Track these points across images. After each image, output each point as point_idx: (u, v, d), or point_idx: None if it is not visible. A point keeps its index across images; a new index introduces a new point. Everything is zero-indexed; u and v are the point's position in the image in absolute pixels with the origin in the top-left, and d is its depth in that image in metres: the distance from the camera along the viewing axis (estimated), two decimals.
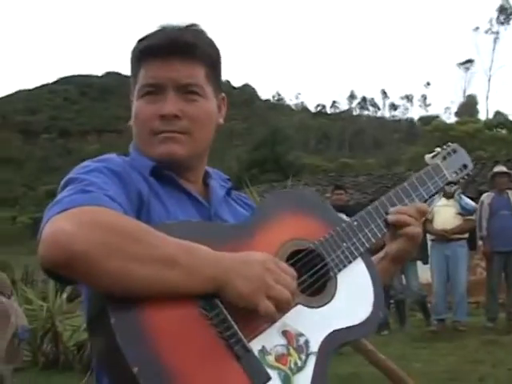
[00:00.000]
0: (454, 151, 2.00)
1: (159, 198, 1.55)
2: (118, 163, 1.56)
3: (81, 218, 1.30)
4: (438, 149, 2.00)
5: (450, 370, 6.91)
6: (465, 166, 2.00)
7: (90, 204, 1.35)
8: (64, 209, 1.33)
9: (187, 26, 1.66)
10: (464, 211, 9.40)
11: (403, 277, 10.26)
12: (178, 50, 1.59)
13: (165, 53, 1.59)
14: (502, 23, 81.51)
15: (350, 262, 1.64)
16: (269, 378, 1.35)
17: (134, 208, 1.48)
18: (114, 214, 1.36)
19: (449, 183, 1.98)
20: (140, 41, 1.66)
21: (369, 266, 1.68)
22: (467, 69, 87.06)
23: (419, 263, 10.41)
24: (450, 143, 2.03)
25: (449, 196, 9.45)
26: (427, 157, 1.98)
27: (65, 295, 9.40)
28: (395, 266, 1.82)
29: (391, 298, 10.41)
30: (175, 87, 1.60)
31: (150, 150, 1.61)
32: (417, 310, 11.30)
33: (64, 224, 1.28)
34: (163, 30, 1.64)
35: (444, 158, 1.97)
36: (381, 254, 1.82)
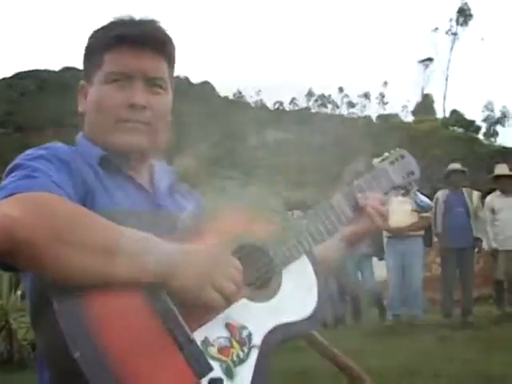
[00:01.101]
0: (402, 157, 2.02)
1: (105, 186, 1.54)
2: (63, 151, 1.55)
3: (25, 203, 1.28)
4: (386, 153, 2.02)
5: (406, 365, 6.96)
6: (412, 173, 2.02)
7: (35, 190, 1.34)
8: (8, 194, 1.32)
9: (150, 21, 1.66)
10: (419, 208, 9.43)
11: (359, 273, 10.34)
12: (150, 43, 1.62)
13: (138, 44, 1.61)
14: (461, 24, 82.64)
15: (296, 259, 1.65)
16: (211, 369, 1.35)
17: (79, 196, 1.46)
18: (58, 200, 1.35)
19: (395, 188, 2.00)
20: (105, 28, 1.66)
21: (313, 263, 1.69)
22: (426, 66, 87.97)
23: (375, 259, 10.50)
24: (397, 148, 2.05)
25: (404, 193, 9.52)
26: (375, 161, 2.01)
27: (19, 292, 9.24)
28: (349, 245, 1.90)
29: (347, 293, 10.48)
30: (143, 78, 1.62)
31: (110, 137, 1.61)
32: (372, 305, 11.39)
33: (8, 210, 1.26)
34: (132, 22, 1.65)
35: (392, 163, 2.00)
36: (336, 235, 1.86)
